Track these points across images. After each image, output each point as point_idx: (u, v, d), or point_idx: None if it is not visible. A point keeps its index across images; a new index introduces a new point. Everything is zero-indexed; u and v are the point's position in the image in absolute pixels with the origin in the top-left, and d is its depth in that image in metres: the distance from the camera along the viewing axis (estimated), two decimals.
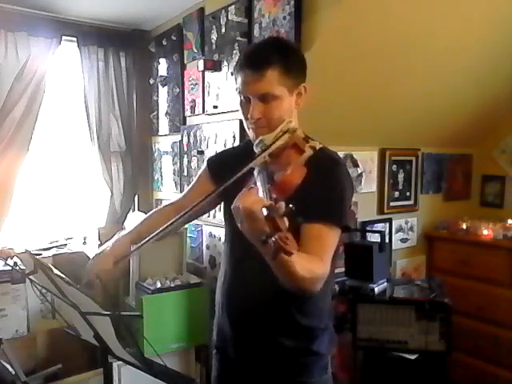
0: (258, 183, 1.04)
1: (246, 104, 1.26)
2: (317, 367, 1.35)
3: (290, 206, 0.90)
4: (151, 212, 1.60)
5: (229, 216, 1.40)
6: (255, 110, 1.23)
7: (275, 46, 1.28)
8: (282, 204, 0.91)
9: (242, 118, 1.30)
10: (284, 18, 2.05)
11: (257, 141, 1.22)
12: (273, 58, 1.21)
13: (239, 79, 1.26)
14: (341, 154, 1.98)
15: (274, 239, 0.86)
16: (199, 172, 1.55)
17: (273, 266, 1.04)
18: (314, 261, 1.12)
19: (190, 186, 1.56)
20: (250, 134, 1.29)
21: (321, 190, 1.18)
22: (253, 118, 1.23)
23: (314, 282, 1.14)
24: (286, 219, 0.89)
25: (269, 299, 1.29)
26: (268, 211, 0.90)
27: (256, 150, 1.22)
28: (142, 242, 1.31)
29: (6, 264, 2.26)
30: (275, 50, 1.24)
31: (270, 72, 1.20)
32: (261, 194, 0.99)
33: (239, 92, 1.27)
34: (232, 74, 2.37)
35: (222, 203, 1.50)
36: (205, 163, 1.53)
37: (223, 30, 2.43)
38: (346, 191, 1.27)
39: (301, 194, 1.04)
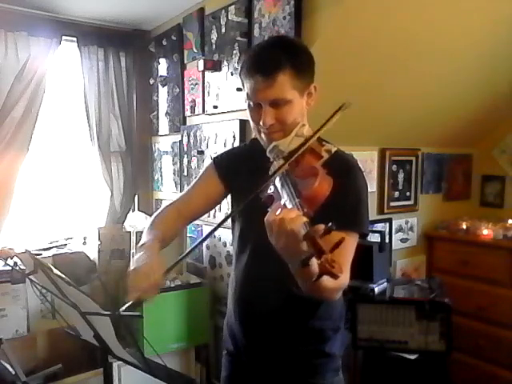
0: (284, 194, 1.01)
1: (255, 109, 1.21)
2: (329, 369, 1.34)
3: (330, 224, 0.85)
4: (155, 220, 1.47)
5: (238, 221, 1.39)
6: (267, 117, 1.18)
7: (283, 47, 1.21)
8: (321, 225, 0.86)
9: (251, 122, 1.26)
10: (284, 18, 2.05)
11: (270, 146, 1.19)
12: (283, 61, 1.16)
13: (248, 85, 1.20)
14: None
15: (320, 262, 0.81)
16: (203, 170, 1.48)
17: (302, 281, 1.01)
18: None
19: (193, 184, 1.48)
20: (263, 138, 1.25)
21: (338, 197, 1.12)
22: (265, 124, 1.19)
23: (336, 291, 1.12)
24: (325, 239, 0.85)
25: (281, 305, 1.28)
26: (307, 230, 0.86)
27: (270, 155, 1.19)
28: (180, 259, 1.29)
29: (6, 264, 2.26)
30: (284, 52, 1.18)
31: (281, 76, 1.15)
32: (289, 206, 0.96)
33: (248, 98, 1.22)
34: (232, 75, 2.37)
35: (230, 209, 1.48)
36: (210, 161, 1.47)
37: (223, 30, 2.43)
38: (363, 195, 1.24)
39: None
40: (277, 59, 1.17)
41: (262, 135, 1.24)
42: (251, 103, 1.22)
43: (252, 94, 1.20)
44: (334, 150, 1.15)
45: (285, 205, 0.97)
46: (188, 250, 1.25)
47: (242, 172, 1.14)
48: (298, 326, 1.31)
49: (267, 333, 1.32)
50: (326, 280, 0.94)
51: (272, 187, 1.08)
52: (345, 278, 1.12)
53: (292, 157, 1.10)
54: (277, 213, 0.93)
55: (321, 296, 1.10)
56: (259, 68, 1.18)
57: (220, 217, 2.53)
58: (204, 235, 1.27)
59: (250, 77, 1.19)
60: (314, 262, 0.83)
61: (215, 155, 1.52)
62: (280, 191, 1.03)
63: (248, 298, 1.35)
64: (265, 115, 1.19)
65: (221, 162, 1.44)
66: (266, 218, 0.95)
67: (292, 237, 0.89)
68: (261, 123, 1.20)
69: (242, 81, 1.25)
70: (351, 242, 1.19)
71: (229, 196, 1.46)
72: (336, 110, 1.10)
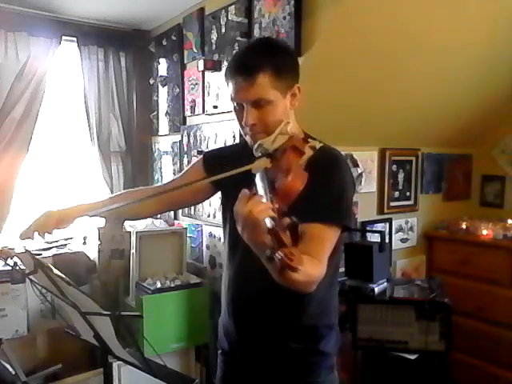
0: (260, 190, 1.02)
1: (239, 111, 1.23)
2: (323, 367, 1.34)
3: (294, 219, 0.89)
4: (126, 190, 1.61)
5: (230, 219, 1.39)
6: (249, 117, 1.20)
7: (264, 48, 1.23)
8: (286, 218, 0.89)
9: (238, 123, 1.28)
10: (284, 18, 2.05)
11: (255, 145, 1.20)
12: (262, 62, 1.18)
13: (230, 86, 1.23)
14: None
15: (279, 256, 0.83)
16: (193, 163, 1.54)
17: (270, 269, 1.01)
18: (312, 263, 1.09)
19: (181, 174, 1.54)
20: (248, 139, 1.27)
21: (320, 189, 1.15)
22: (247, 124, 1.21)
23: (309, 284, 1.11)
24: (288, 232, 0.87)
25: (275, 303, 1.28)
26: (272, 223, 0.87)
27: (256, 154, 1.20)
28: (99, 211, 1.37)
29: (6, 264, 2.26)
30: (264, 53, 1.21)
31: (261, 77, 1.17)
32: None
33: (232, 99, 1.24)
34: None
35: (222, 206, 1.47)
36: (201, 156, 1.51)
37: (223, 30, 2.43)
38: (347, 189, 1.24)
39: (301, 195, 1.02)
40: (257, 60, 1.19)
41: (247, 136, 1.26)
42: (235, 104, 1.24)
43: (234, 95, 1.22)
44: (318, 146, 1.16)
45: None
46: (100, 210, 1.38)
47: (229, 170, 1.15)
48: (292, 323, 1.31)
49: (261, 330, 1.33)
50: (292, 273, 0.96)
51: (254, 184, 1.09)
52: (319, 270, 1.12)
53: (277, 156, 1.11)
54: (246, 204, 0.94)
55: (295, 288, 1.09)
56: (239, 69, 1.20)
57: (219, 217, 2.53)
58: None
59: (232, 78, 1.22)
60: (277, 257, 0.85)
61: (206, 150, 1.53)
62: (258, 187, 1.04)
63: (241, 296, 1.36)
64: (246, 115, 1.20)
65: (210, 159, 1.47)
66: (234, 208, 0.97)
67: (256, 229, 0.90)
68: (243, 123, 1.22)
69: (226, 83, 1.26)
70: (329, 234, 1.19)
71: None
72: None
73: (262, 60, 1.18)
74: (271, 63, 1.18)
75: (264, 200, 0.96)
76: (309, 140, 1.19)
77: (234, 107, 1.25)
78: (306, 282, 1.09)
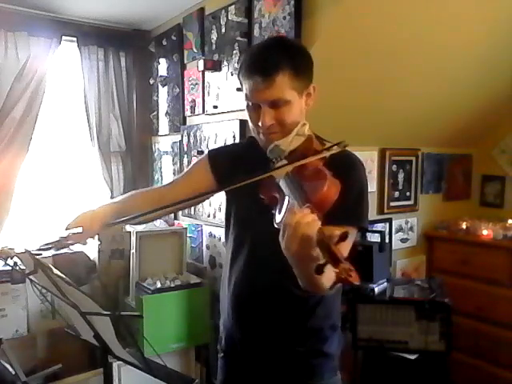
0: (291, 198, 0.99)
1: (254, 110, 1.21)
2: (327, 369, 1.34)
3: (344, 231, 0.83)
4: (135, 192, 1.49)
5: (234, 223, 1.37)
6: (266, 117, 1.17)
7: (282, 48, 1.21)
8: (336, 230, 0.83)
9: (249, 122, 1.26)
10: (284, 17, 2.05)
11: (271, 146, 1.18)
12: (282, 62, 1.16)
13: (247, 86, 1.20)
14: None
15: (337, 271, 0.78)
16: (196, 161, 1.48)
17: (300, 275, 0.99)
18: None
19: (183, 173, 1.48)
20: (261, 139, 1.24)
21: (341, 192, 1.10)
22: (264, 125, 1.18)
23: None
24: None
25: (279, 305, 1.28)
26: (320, 236, 0.83)
27: (270, 155, 1.18)
28: (122, 220, 1.26)
29: (6, 264, 2.26)
30: (283, 52, 1.18)
31: (281, 77, 1.15)
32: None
33: (247, 98, 1.22)
34: (232, 75, 2.37)
35: (226, 209, 1.44)
36: (205, 154, 1.46)
37: (223, 30, 2.43)
38: (365, 190, 1.25)
39: None
40: (276, 60, 1.16)
41: (261, 136, 1.23)
42: (250, 104, 1.22)
43: (251, 95, 1.19)
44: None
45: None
46: (123, 219, 1.27)
47: (237, 171, 1.12)
48: (297, 326, 1.31)
49: (265, 333, 1.32)
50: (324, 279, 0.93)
51: (274, 188, 1.07)
52: None
53: (295, 158, 1.09)
54: (294, 216, 0.89)
55: (317, 292, 1.08)
56: (258, 69, 1.17)
57: (220, 217, 2.54)
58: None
59: (249, 77, 1.18)
60: (329, 269, 0.81)
61: (211, 149, 1.50)
62: (286, 194, 1.01)
63: (245, 299, 1.34)
64: (264, 116, 1.18)
65: (216, 157, 1.42)
66: (284, 220, 0.92)
67: (306, 242, 0.86)
68: (259, 124, 1.19)
69: (240, 81, 1.24)
70: (350, 237, 1.18)
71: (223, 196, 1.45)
72: (334, 144, 1.10)
73: (282, 60, 1.16)
74: (290, 63, 1.17)
75: (297, 207, 0.94)
76: (324, 142, 1.18)
77: (248, 106, 1.23)
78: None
